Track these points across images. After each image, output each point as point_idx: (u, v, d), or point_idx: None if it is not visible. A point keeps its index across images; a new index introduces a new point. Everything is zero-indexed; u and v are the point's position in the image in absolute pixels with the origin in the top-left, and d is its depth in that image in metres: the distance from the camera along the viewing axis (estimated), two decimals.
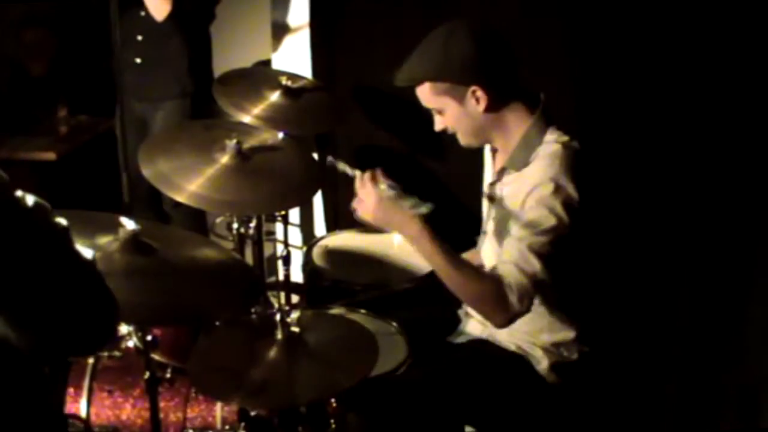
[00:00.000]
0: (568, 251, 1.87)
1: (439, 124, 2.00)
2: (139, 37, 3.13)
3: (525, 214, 1.88)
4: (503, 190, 2.02)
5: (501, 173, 2.03)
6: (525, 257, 1.83)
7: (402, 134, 3.07)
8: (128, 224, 1.76)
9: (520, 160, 1.95)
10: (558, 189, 1.86)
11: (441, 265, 1.87)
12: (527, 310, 1.85)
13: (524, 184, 1.92)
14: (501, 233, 1.99)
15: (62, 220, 1.21)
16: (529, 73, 2.01)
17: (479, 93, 1.90)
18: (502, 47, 1.94)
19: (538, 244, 1.84)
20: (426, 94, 1.95)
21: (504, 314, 1.85)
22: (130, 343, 2.04)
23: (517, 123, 1.96)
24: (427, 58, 1.92)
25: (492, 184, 2.07)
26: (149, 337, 1.85)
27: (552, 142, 1.92)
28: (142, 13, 3.05)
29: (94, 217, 1.89)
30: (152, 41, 3.15)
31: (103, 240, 1.76)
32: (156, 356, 1.96)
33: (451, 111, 1.95)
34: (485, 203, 2.14)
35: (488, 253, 2.10)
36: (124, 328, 2.03)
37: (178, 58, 3.18)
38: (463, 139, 2.00)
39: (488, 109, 1.91)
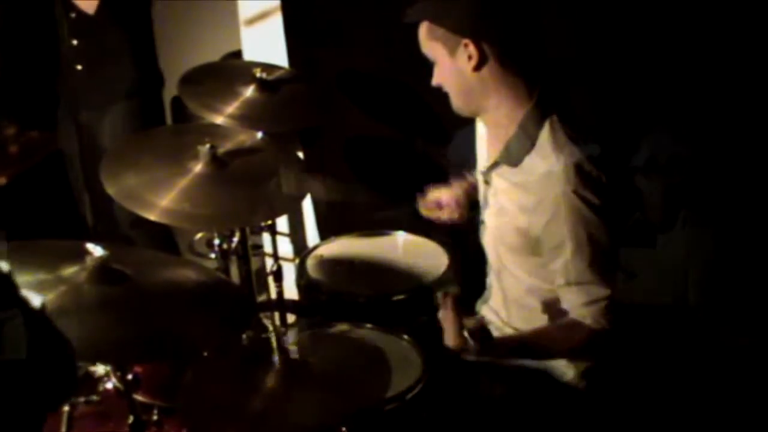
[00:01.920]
0: (615, 236, 1.96)
1: (435, 77, 2.06)
2: (75, 42, 3.15)
3: (556, 234, 1.94)
4: (499, 182, 2.07)
5: (493, 167, 2.07)
6: (586, 291, 1.97)
7: (395, 122, 3.07)
8: (95, 250, 1.75)
9: (514, 155, 2.00)
10: (577, 174, 1.90)
11: (530, 355, 2.09)
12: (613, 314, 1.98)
13: (529, 180, 1.97)
14: (501, 229, 2.09)
15: (2, 264, 1.17)
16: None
17: (471, 48, 1.94)
18: (514, 13, 1.98)
19: (590, 269, 1.95)
20: (423, 34, 2.01)
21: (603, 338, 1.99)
22: (109, 385, 2.02)
23: (513, 103, 2.00)
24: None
25: (485, 173, 2.12)
26: (130, 376, 1.85)
27: (547, 128, 1.96)
28: (73, 15, 3.08)
29: (55, 245, 1.88)
30: (88, 42, 3.17)
31: (69, 270, 1.74)
32: (139, 397, 1.95)
33: (442, 61, 2.00)
34: (481, 190, 2.19)
35: (489, 244, 2.18)
36: (100, 369, 2.02)
37: (118, 53, 3.20)
38: (453, 101, 2.06)
39: (478, 70, 1.96)
